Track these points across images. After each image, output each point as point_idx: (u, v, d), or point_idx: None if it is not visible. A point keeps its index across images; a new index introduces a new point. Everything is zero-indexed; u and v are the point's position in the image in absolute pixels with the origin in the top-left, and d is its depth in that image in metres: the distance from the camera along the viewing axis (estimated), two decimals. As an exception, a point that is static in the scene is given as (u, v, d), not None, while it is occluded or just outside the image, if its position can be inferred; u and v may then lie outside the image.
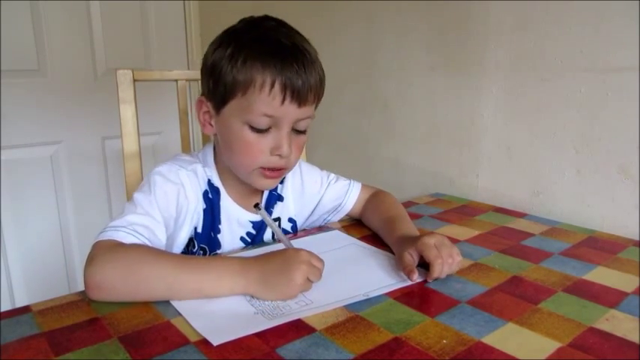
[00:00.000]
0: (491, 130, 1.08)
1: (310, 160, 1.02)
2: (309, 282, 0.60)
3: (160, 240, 0.66)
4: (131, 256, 0.59)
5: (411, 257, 0.66)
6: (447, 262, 0.63)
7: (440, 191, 1.18)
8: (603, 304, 0.59)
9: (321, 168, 0.91)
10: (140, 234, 0.64)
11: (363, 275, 0.67)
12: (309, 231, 0.86)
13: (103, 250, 0.60)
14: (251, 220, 0.78)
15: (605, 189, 0.91)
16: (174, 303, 0.58)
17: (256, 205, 0.69)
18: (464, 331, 0.52)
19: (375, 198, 0.89)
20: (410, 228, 0.76)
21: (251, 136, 0.68)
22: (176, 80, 1.05)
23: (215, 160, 0.78)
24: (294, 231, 0.86)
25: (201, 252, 0.76)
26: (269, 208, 0.82)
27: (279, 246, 0.78)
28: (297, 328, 0.53)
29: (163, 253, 0.62)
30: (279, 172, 0.72)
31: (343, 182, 0.90)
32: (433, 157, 1.22)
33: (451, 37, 1.12)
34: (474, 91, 1.10)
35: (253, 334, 0.51)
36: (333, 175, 0.90)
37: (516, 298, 0.60)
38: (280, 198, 0.84)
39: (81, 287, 0.60)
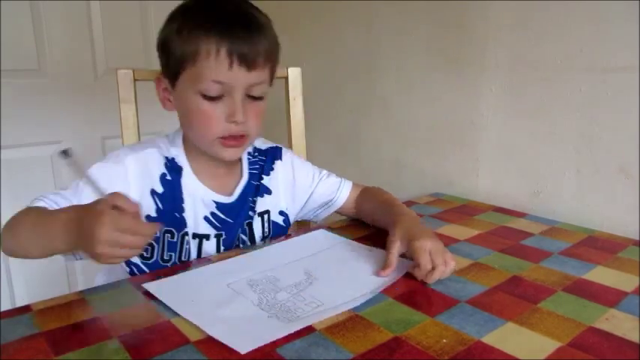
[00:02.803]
0: (491, 130, 1.08)
1: (310, 159, 1.02)
2: (123, 234, 0.52)
3: None
4: (19, 222, 0.63)
5: (395, 256, 0.67)
6: (439, 269, 0.62)
7: (440, 191, 1.18)
8: (603, 303, 0.59)
9: (321, 167, 0.91)
10: (55, 203, 0.66)
11: (365, 273, 0.67)
12: (296, 232, 0.86)
13: (12, 217, 0.64)
14: (215, 200, 0.77)
15: (605, 189, 0.90)
16: (183, 313, 0.55)
17: (65, 152, 0.57)
18: (463, 330, 0.52)
19: (367, 191, 0.90)
20: (406, 211, 0.76)
21: (205, 104, 0.68)
22: None
23: (184, 140, 0.78)
24: (287, 224, 0.86)
25: (169, 235, 0.74)
26: (247, 196, 0.80)
27: (309, 238, 0.78)
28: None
29: (43, 212, 0.63)
30: (239, 141, 0.72)
31: (335, 179, 0.90)
32: (433, 157, 1.22)
33: (451, 37, 1.12)
34: (473, 91, 1.10)
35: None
36: (325, 171, 0.91)
37: (516, 298, 0.60)
38: (268, 191, 0.83)
39: (81, 287, 0.60)
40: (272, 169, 0.85)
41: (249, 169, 0.82)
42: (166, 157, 0.76)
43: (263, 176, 0.83)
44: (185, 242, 0.75)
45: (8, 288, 1.63)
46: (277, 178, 0.84)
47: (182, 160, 0.76)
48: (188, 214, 0.76)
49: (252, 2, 0.73)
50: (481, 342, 0.50)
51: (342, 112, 1.44)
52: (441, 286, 0.63)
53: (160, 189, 0.74)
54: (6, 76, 1.52)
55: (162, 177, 0.75)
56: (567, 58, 0.93)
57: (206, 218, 0.77)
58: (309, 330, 0.52)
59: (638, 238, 0.82)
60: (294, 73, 1.03)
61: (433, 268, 0.62)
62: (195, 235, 0.75)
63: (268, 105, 0.74)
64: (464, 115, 1.12)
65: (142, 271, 0.74)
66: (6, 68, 1.51)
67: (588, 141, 0.92)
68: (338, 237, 0.81)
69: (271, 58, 0.71)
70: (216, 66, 0.66)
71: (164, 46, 0.71)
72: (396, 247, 0.67)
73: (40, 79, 1.60)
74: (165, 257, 0.74)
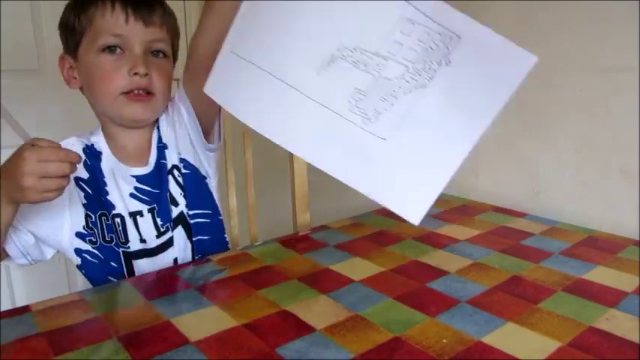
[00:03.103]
0: (491, 130, 1.07)
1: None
2: (47, 163, 0.56)
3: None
4: None
5: None
6: None
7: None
8: (603, 303, 0.59)
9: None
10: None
11: None
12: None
13: None
14: (133, 174, 0.77)
15: (605, 189, 0.91)
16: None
17: None
18: (463, 330, 0.52)
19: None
20: None
21: (106, 59, 0.70)
22: (177, 80, 1.05)
23: (103, 126, 0.79)
24: (191, 169, 0.81)
25: (104, 217, 0.75)
26: (161, 160, 0.79)
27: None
28: (297, 328, 0.53)
29: None
30: (143, 96, 0.72)
31: None
32: (433, 157, 1.21)
33: (451, 37, 1.12)
34: (473, 91, 1.09)
35: (253, 334, 0.51)
36: None
37: (516, 298, 0.60)
38: (166, 147, 0.81)
39: (81, 287, 0.60)
40: (160, 127, 0.82)
41: (157, 135, 0.81)
42: (86, 145, 0.77)
43: (162, 137, 0.82)
44: (117, 224, 0.75)
45: (8, 288, 1.63)
46: (165, 130, 0.81)
47: (101, 144, 0.77)
48: (113, 196, 0.76)
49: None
50: (481, 342, 0.50)
51: (342, 112, 1.44)
52: (441, 286, 0.63)
53: (85, 175, 0.75)
54: (6, 76, 1.52)
55: (85, 163, 0.75)
56: (567, 58, 0.93)
57: (132, 195, 0.77)
58: (309, 330, 0.52)
59: (638, 238, 0.82)
60: (294, 73, 1.03)
61: None
62: (130, 214, 0.76)
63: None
64: (464, 115, 1.12)
65: (92, 254, 0.74)
66: (6, 68, 1.51)
67: (588, 141, 0.92)
68: None
69: (168, 23, 0.74)
70: (113, 21, 0.69)
71: (64, 25, 0.73)
72: None
73: (40, 79, 1.60)
74: (107, 239, 0.75)
